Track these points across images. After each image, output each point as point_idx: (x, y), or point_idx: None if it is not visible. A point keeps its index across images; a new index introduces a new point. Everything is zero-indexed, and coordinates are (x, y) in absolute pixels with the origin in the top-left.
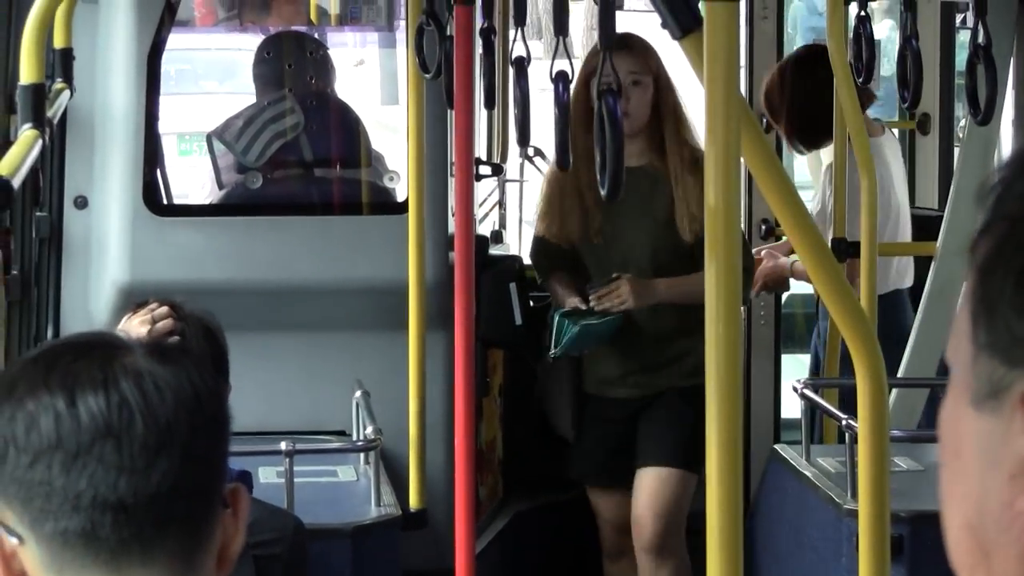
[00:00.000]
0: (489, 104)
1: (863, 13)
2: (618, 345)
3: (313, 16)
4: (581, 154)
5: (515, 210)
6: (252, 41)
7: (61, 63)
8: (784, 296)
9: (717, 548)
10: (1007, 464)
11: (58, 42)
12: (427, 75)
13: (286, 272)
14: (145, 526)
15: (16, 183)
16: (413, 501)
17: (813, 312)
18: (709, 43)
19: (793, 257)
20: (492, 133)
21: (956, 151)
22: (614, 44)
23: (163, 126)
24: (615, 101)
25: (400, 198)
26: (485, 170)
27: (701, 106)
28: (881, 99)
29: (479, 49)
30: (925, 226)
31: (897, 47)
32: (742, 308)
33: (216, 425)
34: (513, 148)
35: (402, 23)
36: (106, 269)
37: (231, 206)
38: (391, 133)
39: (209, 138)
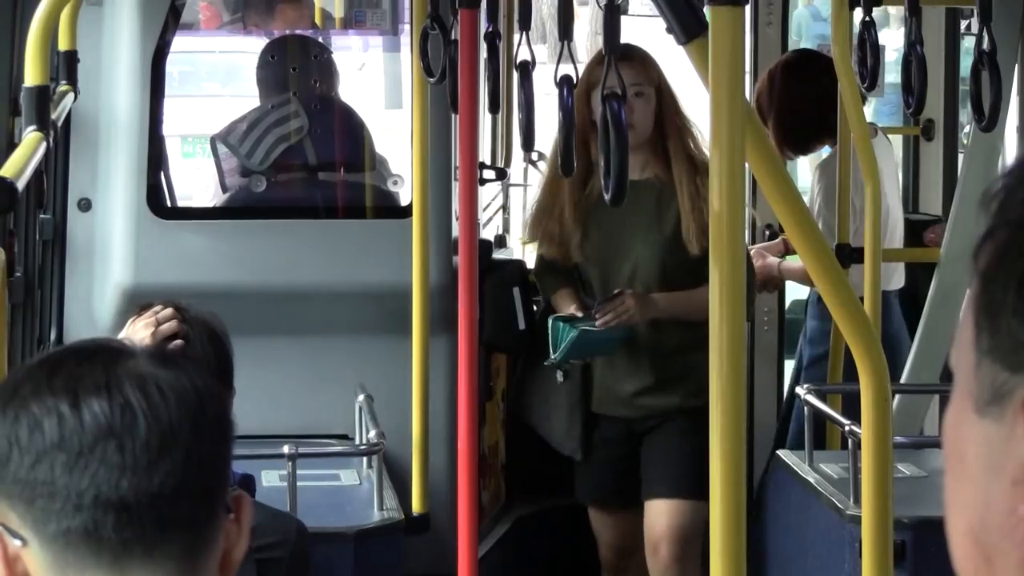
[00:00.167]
0: (493, 108)
1: (867, 18)
2: (625, 363)
3: (317, 20)
4: (580, 167)
5: (519, 214)
6: (256, 44)
7: (65, 65)
8: (788, 302)
9: (720, 554)
10: (1009, 470)
11: (63, 44)
12: (431, 79)
13: (289, 275)
14: (148, 527)
15: (20, 185)
16: (415, 505)
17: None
18: (714, 49)
19: (792, 258)
20: (496, 137)
21: (960, 157)
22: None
23: (166, 128)
24: (619, 106)
25: (404, 202)
26: (489, 174)
27: (705, 112)
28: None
29: (483, 53)
30: (921, 231)
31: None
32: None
33: (219, 428)
34: (517, 152)
35: (406, 27)
36: (109, 272)
37: (235, 209)
38: (395, 137)
39: (213, 141)
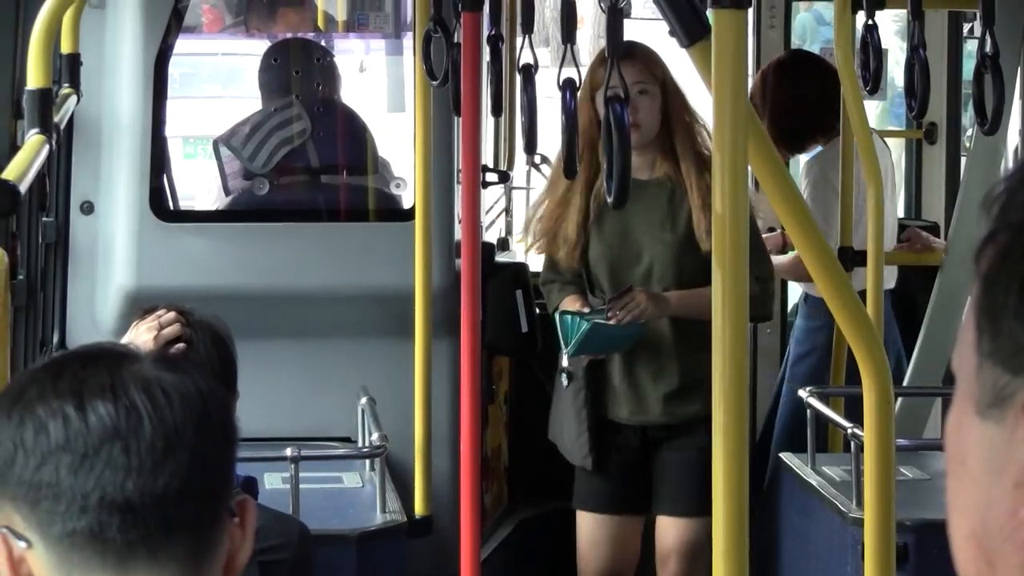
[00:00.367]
0: (496, 111)
1: (870, 22)
2: (649, 366)
3: (320, 23)
4: (588, 169)
5: (521, 217)
6: (258, 46)
7: (68, 68)
8: (790, 305)
9: (723, 556)
10: (1011, 472)
11: (65, 47)
12: (434, 82)
13: (292, 278)
14: (152, 528)
15: (23, 188)
16: (418, 508)
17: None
18: (717, 51)
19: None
20: (499, 140)
21: (963, 160)
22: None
23: (168, 130)
24: (623, 108)
25: (406, 205)
26: (492, 177)
27: (708, 114)
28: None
29: (486, 56)
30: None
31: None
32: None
33: (223, 431)
34: (520, 155)
35: (409, 30)
36: (112, 275)
37: (237, 212)
38: (398, 140)
39: (216, 144)
